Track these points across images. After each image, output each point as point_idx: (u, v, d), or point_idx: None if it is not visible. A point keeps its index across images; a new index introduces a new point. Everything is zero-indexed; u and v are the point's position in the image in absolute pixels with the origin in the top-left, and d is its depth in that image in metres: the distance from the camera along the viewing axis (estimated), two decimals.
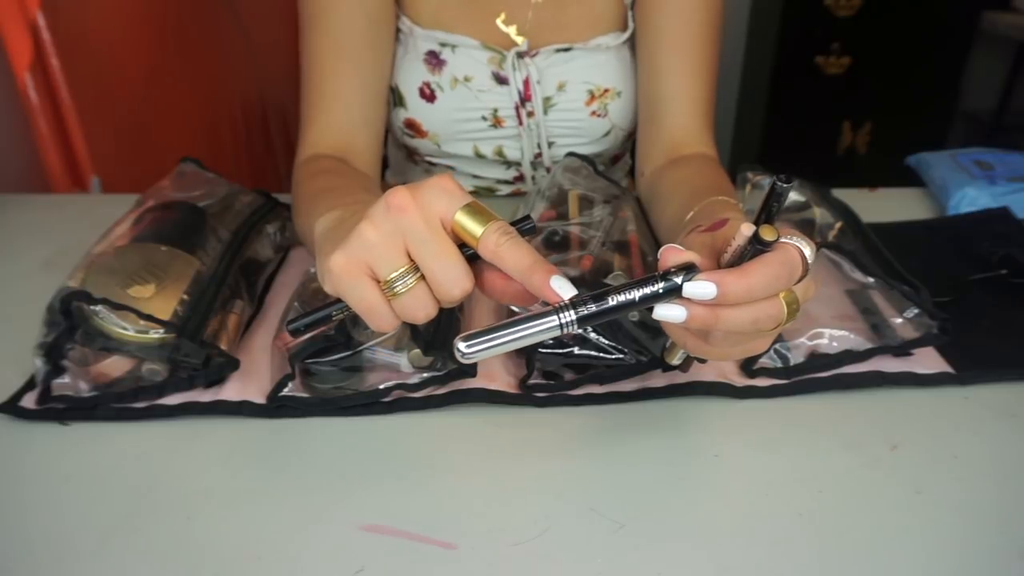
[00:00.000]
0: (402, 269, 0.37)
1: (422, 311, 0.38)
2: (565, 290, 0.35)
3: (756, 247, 0.35)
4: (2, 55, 1.00)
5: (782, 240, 0.36)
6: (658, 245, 0.63)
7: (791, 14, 2.23)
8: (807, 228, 0.68)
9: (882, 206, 0.78)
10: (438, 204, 0.37)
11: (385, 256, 0.37)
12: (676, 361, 0.45)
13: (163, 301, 0.51)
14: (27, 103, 1.01)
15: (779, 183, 0.34)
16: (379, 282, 0.38)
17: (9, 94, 1.02)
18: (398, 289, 0.37)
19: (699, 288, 0.35)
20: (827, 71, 2.31)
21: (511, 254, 0.36)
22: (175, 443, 0.49)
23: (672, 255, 0.36)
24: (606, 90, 0.77)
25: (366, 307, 0.38)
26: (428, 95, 0.77)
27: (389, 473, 0.46)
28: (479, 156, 0.82)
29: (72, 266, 0.54)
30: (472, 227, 0.37)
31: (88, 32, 1.09)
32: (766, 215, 0.35)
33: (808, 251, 0.37)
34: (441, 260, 0.37)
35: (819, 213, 0.69)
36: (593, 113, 0.78)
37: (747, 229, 0.35)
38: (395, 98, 0.78)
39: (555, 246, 0.58)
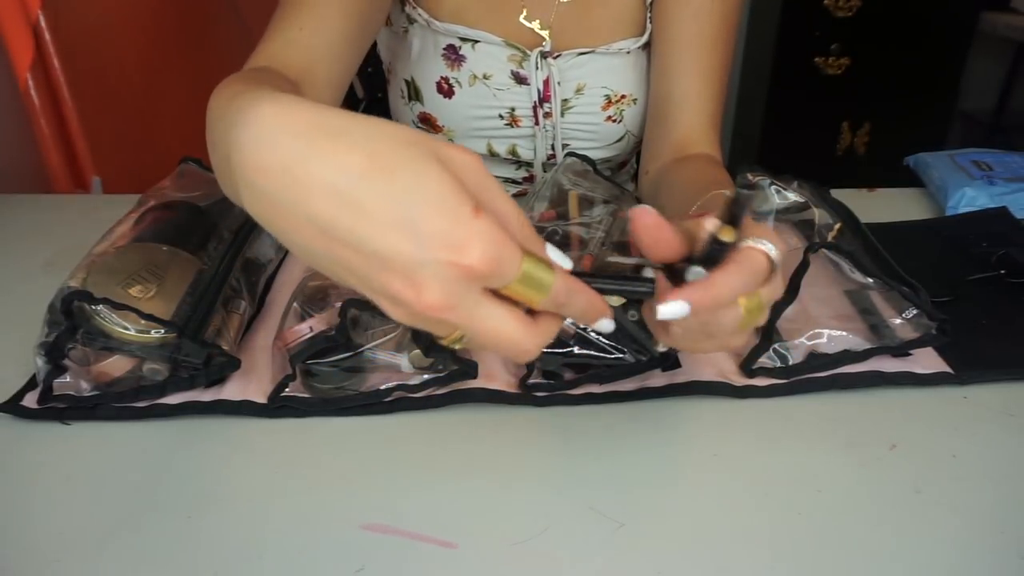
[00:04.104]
0: (458, 332, 0.33)
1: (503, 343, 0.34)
2: (605, 327, 0.37)
3: (714, 246, 0.36)
4: (3, 55, 1.00)
5: (748, 243, 0.37)
6: None
7: (790, 14, 2.24)
8: (806, 228, 0.68)
9: (881, 206, 0.78)
10: (509, 268, 0.31)
11: (434, 330, 0.34)
12: (661, 348, 0.46)
13: (164, 301, 0.51)
14: (28, 103, 1.02)
15: (741, 191, 0.35)
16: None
17: (10, 94, 1.02)
18: (457, 345, 0.35)
19: (673, 309, 0.36)
20: (826, 72, 2.31)
21: (578, 302, 0.34)
22: (176, 443, 0.49)
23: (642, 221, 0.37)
24: (623, 96, 0.77)
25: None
26: (446, 90, 0.77)
27: (389, 473, 0.46)
28: (492, 154, 0.82)
29: (73, 266, 0.54)
30: (539, 281, 0.32)
31: (89, 32, 1.09)
32: (730, 218, 0.36)
33: (775, 253, 0.37)
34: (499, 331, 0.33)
35: (818, 214, 0.69)
36: (609, 118, 0.78)
37: (710, 224, 0.36)
38: (410, 92, 0.78)
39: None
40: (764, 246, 0.37)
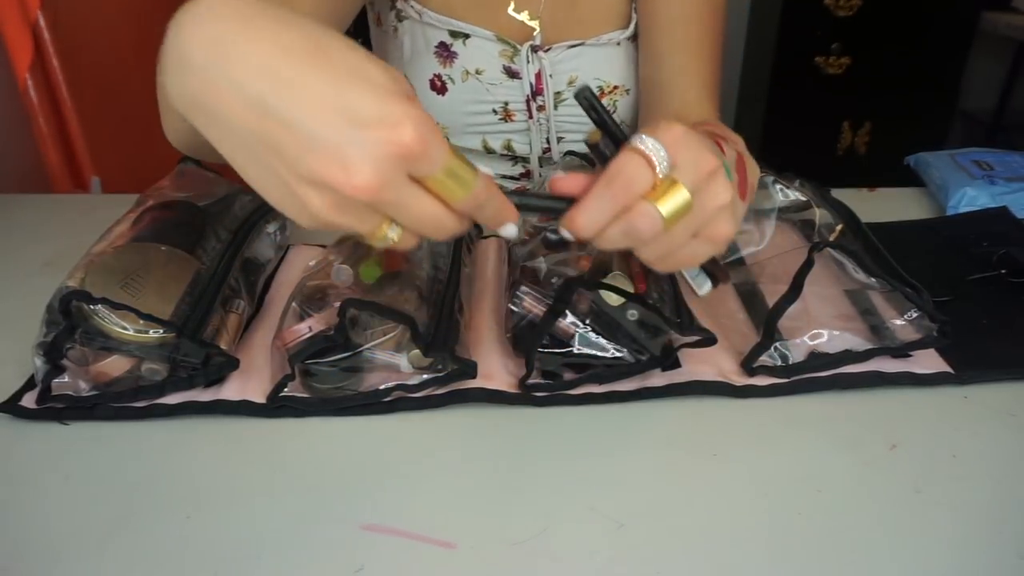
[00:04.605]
0: (386, 224, 0.34)
1: (414, 244, 0.36)
2: (509, 232, 0.39)
3: (595, 153, 0.39)
4: (3, 55, 1.00)
5: (627, 144, 0.38)
6: None
7: (791, 14, 2.23)
8: (807, 228, 0.68)
9: (881, 206, 0.78)
10: (439, 152, 0.32)
11: (362, 224, 0.34)
12: (704, 292, 0.47)
13: (162, 301, 0.51)
14: (28, 103, 1.02)
15: (579, 95, 0.38)
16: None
17: (10, 94, 1.02)
18: (385, 241, 0.35)
19: (563, 235, 0.39)
20: (827, 71, 2.31)
21: (492, 205, 0.36)
22: (175, 442, 0.49)
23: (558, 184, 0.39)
24: (615, 87, 0.77)
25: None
26: (439, 87, 0.77)
27: (389, 473, 0.46)
28: (488, 150, 0.82)
29: (72, 266, 0.54)
30: (462, 178, 0.33)
31: (88, 32, 1.09)
32: (597, 122, 0.38)
33: (657, 152, 0.37)
34: (428, 220, 0.34)
35: (819, 214, 0.69)
36: None
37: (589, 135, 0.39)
38: None
39: (553, 246, 0.58)
40: (639, 144, 0.37)
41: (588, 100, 0.38)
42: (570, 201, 0.38)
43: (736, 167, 0.47)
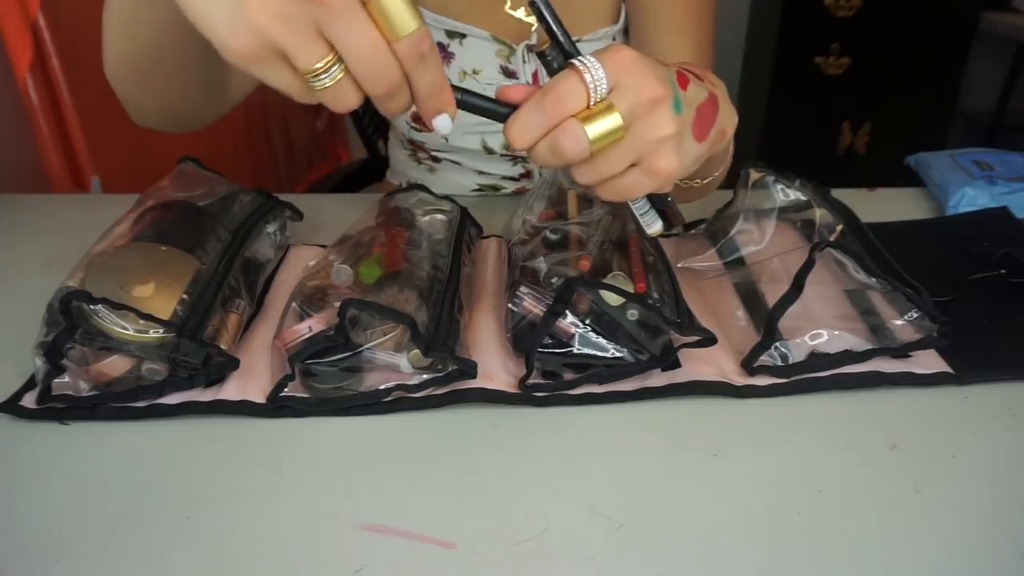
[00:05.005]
0: (326, 61, 0.33)
1: (350, 103, 0.35)
2: (442, 125, 0.39)
3: (542, 61, 0.40)
4: (3, 55, 1.00)
5: (571, 62, 0.38)
6: (657, 244, 0.63)
7: (791, 14, 2.24)
8: (807, 229, 0.68)
9: (881, 206, 0.78)
10: None
11: (302, 48, 0.32)
12: (653, 231, 0.47)
13: (163, 300, 0.51)
14: (28, 103, 1.02)
15: (533, 2, 0.39)
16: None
17: (10, 94, 1.02)
18: (321, 83, 0.34)
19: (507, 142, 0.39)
20: (827, 71, 2.31)
21: (431, 70, 0.35)
22: (175, 443, 0.49)
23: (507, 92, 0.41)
24: None
25: (286, 92, 0.35)
26: None
27: (389, 473, 0.46)
28: (487, 151, 0.82)
29: (72, 266, 0.54)
30: (405, 15, 0.33)
31: (88, 32, 1.09)
32: (546, 32, 0.39)
33: (594, 71, 0.37)
34: (374, 56, 0.33)
35: (820, 213, 0.69)
36: None
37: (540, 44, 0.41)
38: None
39: (553, 246, 0.58)
40: (579, 62, 0.38)
41: (538, 9, 0.39)
42: (513, 108, 0.39)
43: (702, 106, 0.45)
